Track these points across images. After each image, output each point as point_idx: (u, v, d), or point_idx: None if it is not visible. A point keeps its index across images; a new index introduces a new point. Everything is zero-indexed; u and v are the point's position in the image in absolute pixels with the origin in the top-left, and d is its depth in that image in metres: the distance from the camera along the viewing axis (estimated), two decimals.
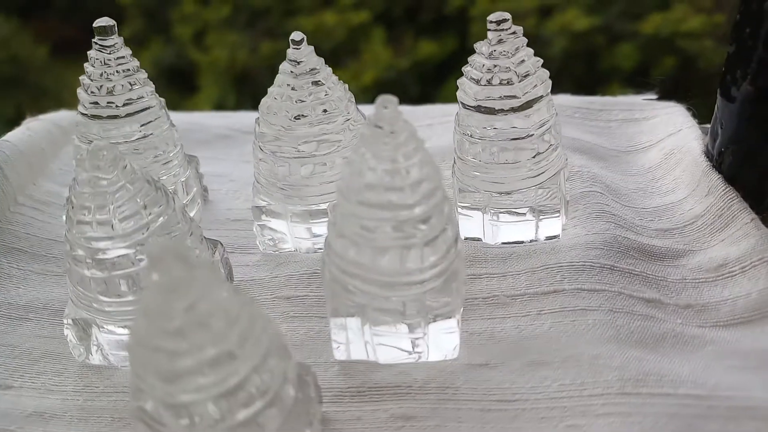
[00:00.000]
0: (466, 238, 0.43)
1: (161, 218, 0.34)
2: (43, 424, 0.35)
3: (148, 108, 0.43)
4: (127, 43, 0.42)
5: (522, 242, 0.42)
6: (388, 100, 0.31)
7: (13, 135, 0.50)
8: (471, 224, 0.43)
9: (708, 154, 0.44)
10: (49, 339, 0.39)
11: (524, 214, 0.42)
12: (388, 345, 0.36)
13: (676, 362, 0.34)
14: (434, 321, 0.35)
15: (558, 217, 0.42)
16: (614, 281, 0.38)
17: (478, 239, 0.43)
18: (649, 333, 0.36)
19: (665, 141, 0.49)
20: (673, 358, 0.35)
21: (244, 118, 0.59)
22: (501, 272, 0.40)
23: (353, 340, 0.36)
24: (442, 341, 0.36)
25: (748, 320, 0.37)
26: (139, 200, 0.34)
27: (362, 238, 0.33)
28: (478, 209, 0.42)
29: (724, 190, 0.42)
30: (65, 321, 0.36)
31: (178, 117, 0.58)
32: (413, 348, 0.36)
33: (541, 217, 0.42)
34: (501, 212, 0.42)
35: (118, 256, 0.34)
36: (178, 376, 0.25)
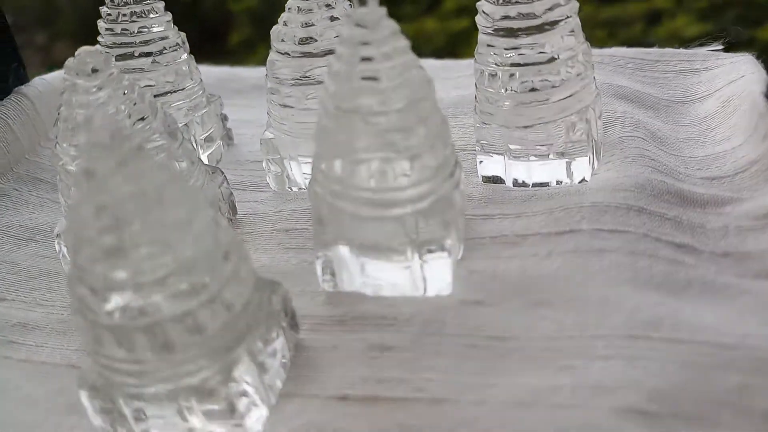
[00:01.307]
0: (486, 179, 0.40)
1: (142, 126, 0.33)
2: (25, 333, 0.34)
3: (163, 38, 0.42)
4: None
5: (547, 184, 0.39)
6: None
7: (50, 75, 0.51)
8: (492, 164, 0.39)
9: None
10: (50, 259, 0.39)
11: (547, 153, 0.38)
12: (376, 275, 0.33)
13: (701, 309, 0.29)
14: (426, 253, 0.32)
15: (586, 157, 0.38)
16: (641, 223, 0.34)
17: (500, 180, 0.40)
18: (673, 278, 0.31)
19: (724, 89, 0.44)
20: (697, 304, 0.30)
21: None
22: (516, 213, 0.37)
23: (340, 270, 0.33)
24: (436, 275, 0.32)
25: None
26: (123, 108, 0.33)
27: (342, 150, 0.30)
28: (498, 149, 0.39)
29: None
30: (56, 235, 0.36)
31: (221, 70, 0.58)
32: (403, 279, 0.33)
33: (570, 157, 0.38)
34: (523, 149, 0.38)
35: None
36: (107, 255, 0.24)
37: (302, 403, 0.29)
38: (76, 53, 0.33)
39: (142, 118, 0.34)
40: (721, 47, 0.48)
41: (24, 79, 0.49)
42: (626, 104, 0.44)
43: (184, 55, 0.44)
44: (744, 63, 0.45)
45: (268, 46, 0.40)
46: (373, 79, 0.29)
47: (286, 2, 0.39)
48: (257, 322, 0.28)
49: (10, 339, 0.34)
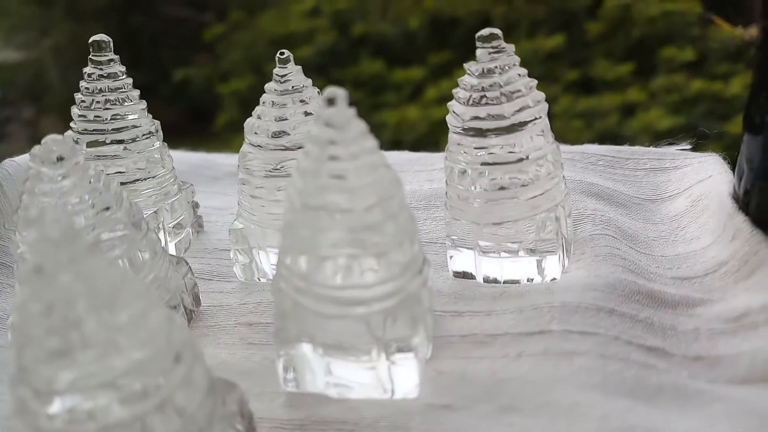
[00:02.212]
0: (457, 274, 0.40)
1: (107, 216, 0.32)
2: None
3: (136, 127, 0.42)
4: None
5: (517, 281, 0.38)
6: (335, 93, 0.28)
7: (21, 157, 0.51)
8: (462, 259, 0.39)
9: (735, 196, 0.39)
10: (3, 348, 0.37)
11: (517, 249, 0.38)
12: (339, 376, 0.32)
13: (672, 417, 0.29)
14: (392, 353, 0.31)
15: (556, 255, 0.37)
16: (611, 325, 0.33)
17: (470, 276, 0.39)
18: (645, 383, 0.31)
19: (693, 188, 0.44)
20: (669, 412, 0.29)
21: None
22: (486, 310, 0.36)
23: (302, 370, 0.32)
24: (401, 377, 0.31)
25: None
26: (87, 197, 0.33)
27: (308, 245, 0.30)
28: (468, 244, 0.39)
29: (750, 233, 0.37)
30: (9, 323, 0.35)
31: (196, 156, 0.58)
32: (368, 380, 0.31)
33: (540, 254, 0.38)
34: (493, 246, 0.38)
35: None
36: (53, 356, 0.23)
37: None
38: (42, 141, 0.33)
39: (107, 208, 0.33)
40: (689, 147, 0.49)
41: None
42: (597, 201, 0.44)
43: (157, 143, 0.44)
44: (711, 163, 0.45)
45: None
46: (341, 177, 0.29)
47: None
48: (210, 427, 0.26)
49: None
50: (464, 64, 0.37)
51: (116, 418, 0.23)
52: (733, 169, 0.44)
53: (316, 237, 0.30)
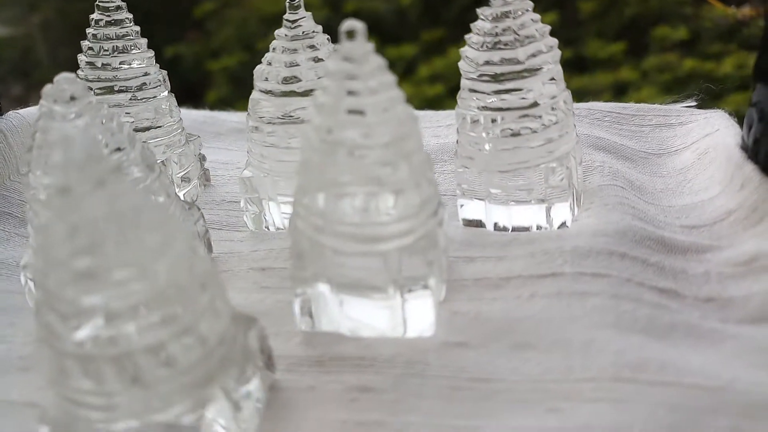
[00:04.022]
0: (467, 223, 0.40)
1: (119, 156, 0.32)
2: None
3: (145, 75, 0.42)
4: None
5: (527, 228, 0.38)
6: (354, 26, 0.28)
7: (25, 110, 0.50)
8: (473, 208, 0.39)
9: (744, 147, 0.40)
10: (13, 294, 0.37)
11: (529, 197, 0.38)
12: (355, 314, 0.32)
13: (686, 353, 0.29)
14: (408, 291, 0.31)
15: (566, 203, 0.38)
16: (623, 268, 0.34)
17: (480, 224, 0.39)
18: (657, 322, 0.31)
19: (700, 142, 0.44)
20: (682, 348, 0.29)
21: None
22: (497, 256, 0.36)
23: (319, 309, 0.32)
24: (417, 315, 0.32)
25: None
26: (101, 137, 0.32)
27: (326, 183, 0.30)
28: (479, 193, 0.39)
29: (759, 181, 0.37)
30: (22, 266, 0.34)
31: (199, 113, 0.58)
32: (386, 320, 0.32)
33: (550, 202, 0.38)
34: (504, 194, 0.38)
35: None
36: (79, 278, 0.22)
37: None
38: (54, 79, 0.33)
39: (119, 149, 0.33)
40: (694, 104, 0.49)
41: None
42: (604, 155, 0.44)
43: (165, 93, 0.44)
44: (717, 118, 0.46)
45: (245, 105, 0.40)
46: (359, 112, 0.29)
47: (263, 56, 0.39)
48: (233, 358, 0.26)
49: None
50: (477, 9, 0.37)
51: (140, 343, 0.23)
52: (740, 124, 0.44)
53: (334, 174, 0.30)
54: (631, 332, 0.30)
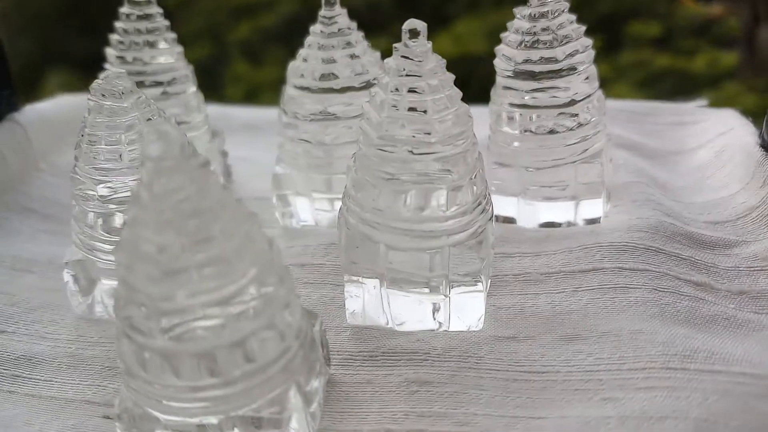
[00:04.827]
0: (499, 219, 0.40)
1: None
2: (30, 367, 0.32)
3: (174, 69, 0.42)
4: None
5: (559, 224, 0.39)
6: (416, 25, 0.29)
7: (42, 104, 0.49)
8: (505, 204, 0.40)
9: (764, 144, 0.41)
10: (49, 291, 0.37)
11: (562, 193, 0.39)
12: (406, 310, 0.32)
13: (729, 343, 0.30)
14: (458, 285, 0.32)
15: (599, 198, 0.39)
16: (659, 262, 0.35)
17: (513, 220, 0.40)
18: (698, 314, 0.32)
19: (716, 140, 0.46)
20: (725, 339, 0.31)
21: (271, 111, 0.58)
22: (534, 252, 0.37)
23: (369, 304, 0.33)
24: (466, 310, 0.32)
25: None
26: None
27: (383, 180, 0.30)
28: (512, 190, 0.39)
29: None
30: (65, 263, 0.34)
31: (210, 108, 0.57)
32: (434, 314, 0.32)
33: (581, 199, 0.39)
34: (537, 190, 0.39)
35: (125, 191, 0.32)
36: (169, 275, 0.23)
37: None
38: (102, 76, 0.33)
39: None
40: (705, 103, 0.50)
41: (15, 107, 0.47)
42: (625, 152, 0.45)
43: (193, 88, 0.43)
44: (730, 117, 0.47)
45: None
46: (420, 110, 0.29)
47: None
48: (304, 353, 0.27)
49: (14, 373, 0.32)
50: (514, 9, 0.38)
51: (224, 338, 0.24)
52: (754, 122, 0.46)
53: (392, 170, 0.30)
54: (674, 323, 0.31)
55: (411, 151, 0.30)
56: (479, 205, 0.31)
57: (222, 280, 0.23)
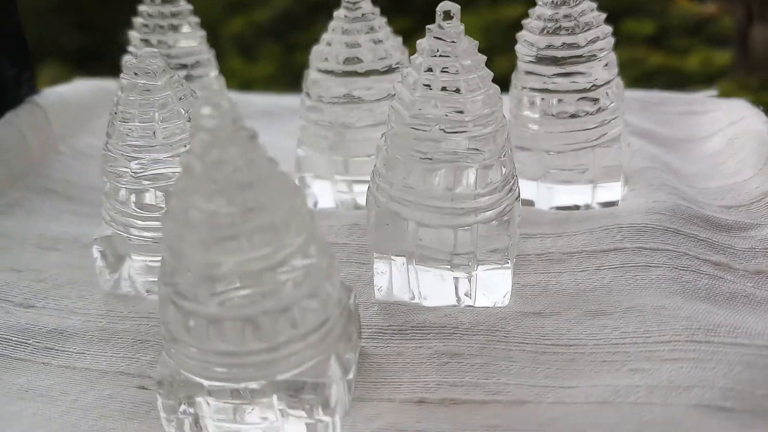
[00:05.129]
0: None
1: None
2: (62, 340, 0.33)
3: (196, 53, 0.42)
4: None
5: (577, 207, 0.40)
6: (450, 6, 0.29)
7: (62, 88, 0.50)
8: (524, 187, 0.41)
9: None
10: (75, 268, 0.37)
11: (582, 176, 0.39)
12: (434, 286, 0.33)
13: (750, 318, 0.31)
14: (485, 263, 0.32)
15: (617, 182, 0.40)
16: (678, 243, 0.36)
17: (531, 203, 0.41)
18: (718, 291, 0.33)
19: (727, 129, 0.47)
20: (745, 315, 0.32)
21: (289, 99, 0.59)
22: (556, 233, 0.38)
23: (397, 280, 0.33)
24: (493, 287, 0.33)
25: None
26: (183, 111, 0.33)
27: (414, 158, 0.31)
28: (531, 173, 0.40)
29: None
30: (94, 239, 0.35)
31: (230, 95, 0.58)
32: (461, 290, 0.33)
33: (598, 182, 0.40)
34: (556, 174, 0.40)
35: (157, 168, 0.33)
36: (220, 242, 0.23)
37: (377, 406, 0.29)
38: (136, 55, 0.33)
39: None
40: (715, 93, 0.51)
41: (35, 90, 0.47)
42: (638, 140, 0.46)
43: (215, 72, 0.44)
44: (740, 107, 0.48)
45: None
46: (453, 90, 0.30)
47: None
48: (343, 321, 0.27)
49: (46, 345, 0.32)
50: None
51: (270, 305, 0.24)
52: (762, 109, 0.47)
53: (422, 149, 0.31)
54: (696, 300, 0.32)
55: (443, 130, 0.30)
56: (507, 184, 0.32)
57: (270, 248, 0.24)
